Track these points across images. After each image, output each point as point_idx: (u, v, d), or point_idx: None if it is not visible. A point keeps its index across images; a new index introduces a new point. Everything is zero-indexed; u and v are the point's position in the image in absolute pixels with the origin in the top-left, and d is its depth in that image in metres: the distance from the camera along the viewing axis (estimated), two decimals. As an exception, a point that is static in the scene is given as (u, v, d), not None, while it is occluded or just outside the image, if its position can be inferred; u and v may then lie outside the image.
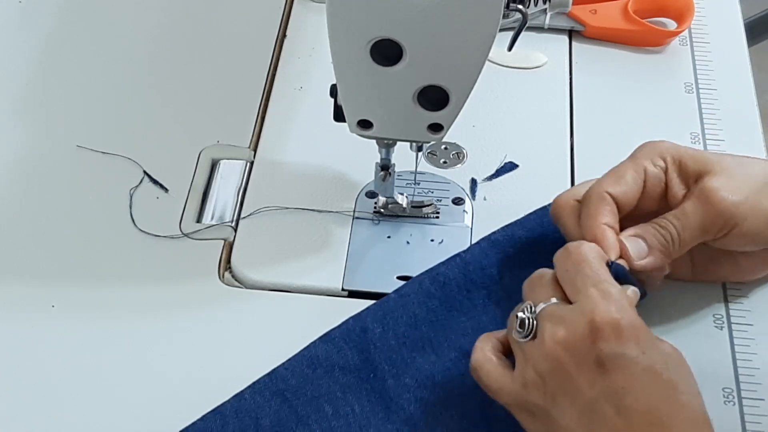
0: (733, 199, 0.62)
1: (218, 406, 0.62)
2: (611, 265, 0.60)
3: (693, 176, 0.64)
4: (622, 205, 0.64)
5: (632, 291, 0.60)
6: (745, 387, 0.64)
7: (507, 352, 0.61)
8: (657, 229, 0.63)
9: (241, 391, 0.63)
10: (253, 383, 0.63)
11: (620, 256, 0.62)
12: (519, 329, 0.58)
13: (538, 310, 0.58)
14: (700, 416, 0.55)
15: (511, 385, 0.58)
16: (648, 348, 0.55)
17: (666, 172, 0.65)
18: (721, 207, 0.62)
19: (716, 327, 0.67)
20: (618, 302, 0.56)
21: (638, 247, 0.63)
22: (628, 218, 0.64)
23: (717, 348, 0.66)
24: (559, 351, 0.56)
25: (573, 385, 0.56)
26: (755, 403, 0.63)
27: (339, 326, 0.66)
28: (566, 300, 0.59)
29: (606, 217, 0.63)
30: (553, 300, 0.59)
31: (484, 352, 0.60)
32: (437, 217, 0.74)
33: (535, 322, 0.58)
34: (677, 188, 0.65)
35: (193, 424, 0.62)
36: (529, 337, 0.58)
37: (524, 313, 0.58)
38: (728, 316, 0.68)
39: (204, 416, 0.62)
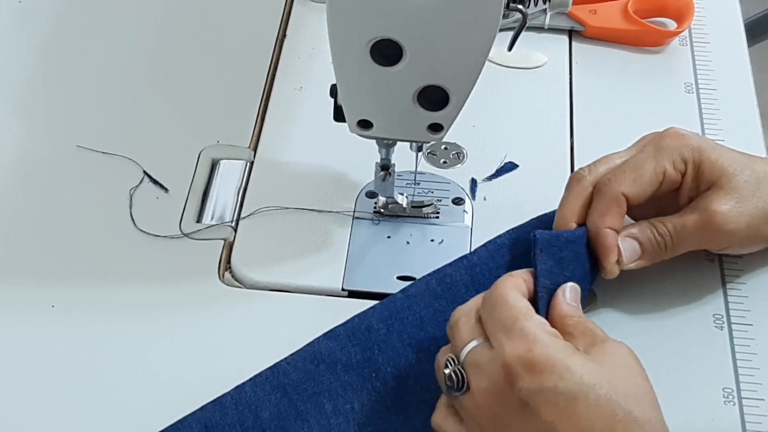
0: (732, 227, 0.64)
1: (218, 397, 0.63)
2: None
3: (706, 184, 0.65)
4: (632, 203, 0.65)
5: (570, 287, 0.61)
6: (745, 387, 0.64)
7: None
8: (653, 233, 0.65)
9: (242, 384, 0.63)
10: (255, 376, 0.64)
11: (616, 259, 0.64)
12: (449, 384, 0.57)
13: (462, 357, 0.57)
14: (645, 427, 0.53)
15: None
16: (566, 374, 0.53)
17: (683, 174, 0.65)
18: (719, 231, 0.64)
19: (716, 327, 0.67)
20: (527, 337, 0.55)
21: (632, 249, 0.65)
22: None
23: (717, 348, 0.66)
24: (489, 402, 0.55)
25: (511, 431, 0.55)
26: (755, 403, 0.63)
27: (344, 324, 0.66)
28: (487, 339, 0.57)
29: (614, 220, 0.64)
30: (473, 343, 0.57)
31: (441, 410, 0.60)
32: (437, 217, 0.74)
33: (462, 373, 0.57)
34: (688, 191, 0.66)
35: (193, 413, 0.62)
36: (463, 390, 0.57)
37: (449, 368, 0.57)
38: (728, 316, 0.68)
39: (203, 406, 0.62)
